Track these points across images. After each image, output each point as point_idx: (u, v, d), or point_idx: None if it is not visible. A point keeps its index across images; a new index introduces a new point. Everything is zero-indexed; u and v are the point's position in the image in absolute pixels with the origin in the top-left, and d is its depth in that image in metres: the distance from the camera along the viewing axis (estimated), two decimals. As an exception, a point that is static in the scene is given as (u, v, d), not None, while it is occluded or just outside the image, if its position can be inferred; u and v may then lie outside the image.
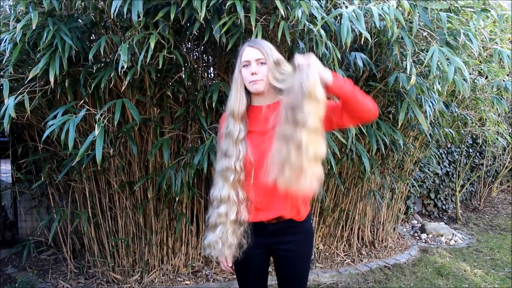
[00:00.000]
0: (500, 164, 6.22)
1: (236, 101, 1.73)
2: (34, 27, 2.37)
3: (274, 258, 1.88)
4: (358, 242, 4.16)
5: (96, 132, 2.31)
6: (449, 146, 5.48)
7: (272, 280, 2.08)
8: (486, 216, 5.79)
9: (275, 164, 1.54)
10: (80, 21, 2.80)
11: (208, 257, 3.59)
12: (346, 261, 3.83)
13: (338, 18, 2.70)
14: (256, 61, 1.69)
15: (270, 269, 2.00)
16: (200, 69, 3.20)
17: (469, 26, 2.98)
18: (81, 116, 2.42)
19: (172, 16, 2.33)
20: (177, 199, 3.04)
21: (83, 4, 2.78)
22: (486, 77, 4.01)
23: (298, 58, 1.53)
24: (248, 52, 1.71)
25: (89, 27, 2.86)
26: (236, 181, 1.70)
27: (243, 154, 1.70)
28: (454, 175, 5.53)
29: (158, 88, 2.99)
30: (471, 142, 5.70)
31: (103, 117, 2.45)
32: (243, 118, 1.73)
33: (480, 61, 3.63)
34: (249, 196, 1.72)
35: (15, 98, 2.44)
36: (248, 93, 1.76)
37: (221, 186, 1.72)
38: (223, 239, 1.71)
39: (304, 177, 1.51)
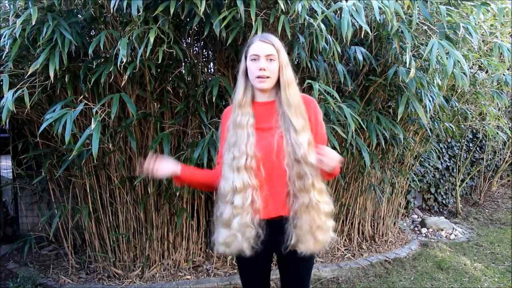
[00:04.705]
0: (500, 159, 6.22)
1: (243, 91, 1.74)
2: (33, 23, 2.37)
3: (277, 257, 1.87)
4: (359, 236, 4.17)
5: (93, 125, 2.31)
6: (449, 140, 5.48)
7: (272, 274, 2.08)
8: (486, 210, 5.80)
9: (308, 233, 1.67)
10: (80, 16, 2.80)
11: (208, 250, 3.60)
12: (347, 255, 3.84)
13: (338, 12, 2.70)
14: (266, 57, 1.67)
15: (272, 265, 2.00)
16: (200, 64, 3.20)
17: (469, 20, 2.97)
18: (79, 110, 2.42)
19: (171, 11, 2.33)
20: (177, 194, 3.05)
21: (82, -1, 2.78)
22: (487, 71, 4.01)
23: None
24: (258, 46, 1.68)
25: (88, 22, 2.86)
26: (249, 167, 1.67)
27: (253, 141, 1.69)
28: (455, 170, 5.54)
29: (158, 83, 2.99)
30: (471, 137, 5.70)
31: (101, 111, 2.45)
32: (250, 106, 1.74)
33: (480, 55, 3.62)
34: (263, 188, 1.70)
35: (15, 93, 2.44)
36: (252, 85, 1.76)
37: (233, 177, 1.68)
38: (242, 231, 1.67)
39: (328, 234, 1.74)
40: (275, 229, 1.74)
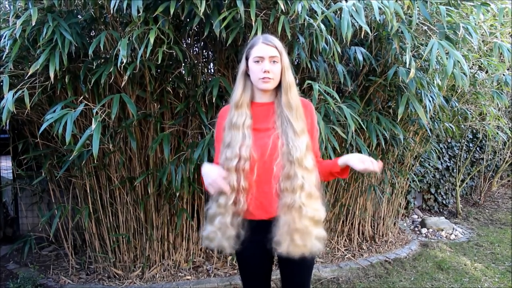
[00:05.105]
0: (501, 159, 6.22)
1: (241, 92, 1.74)
2: (33, 23, 2.37)
3: (278, 257, 1.87)
4: (359, 236, 4.17)
5: (93, 126, 2.31)
6: (449, 140, 5.48)
7: (273, 274, 2.08)
8: (487, 210, 5.80)
9: (286, 234, 1.65)
10: (80, 17, 2.80)
11: (208, 251, 3.60)
12: (347, 256, 3.84)
13: (338, 12, 2.70)
14: (270, 59, 1.68)
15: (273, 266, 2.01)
16: (200, 64, 3.20)
17: (469, 20, 2.97)
18: (79, 111, 2.42)
19: (171, 11, 2.33)
20: (177, 194, 3.05)
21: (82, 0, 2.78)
22: (487, 72, 4.01)
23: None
24: (262, 48, 1.69)
25: (88, 22, 2.86)
26: (241, 169, 1.67)
27: (250, 142, 1.69)
28: (455, 170, 5.54)
29: (158, 83, 3.00)
30: (471, 137, 5.70)
31: (101, 111, 2.45)
32: (248, 107, 1.74)
33: (480, 55, 3.62)
34: (250, 190, 1.71)
35: (15, 94, 2.44)
36: (251, 86, 1.76)
37: None
38: (222, 230, 1.71)
39: (310, 240, 1.66)
40: (268, 229, 1.74)
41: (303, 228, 1.65)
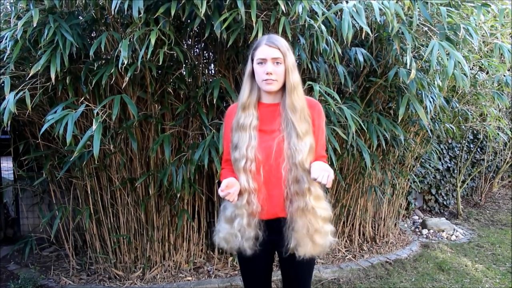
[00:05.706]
0: (501, 160, 6.22)
1: (248, 93, 1.75)
2: (35, 24, 2.38)
3: (279, 258, 1.88)
4: (359, 237, 4.16)
5: (94, 127, 2.31)
6: (450, 141, 5.48)
7: (274, 275, 2.09)
8: (487, 211, 5.80)
9: (306, 237, 1.69)
10: (81, 18, 2.80)
11: (209, 251, 3.60)
12: (348, 257, 3.84)
13: (339, 13, 2.70)
14: (273, 60, 1.67)
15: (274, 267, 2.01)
16: (201, 65, 3.20)
17: (470, 21, 2.98)
18: (80, 112, 2.43)
19: (172, 12, 2.33)
20: (178, 195, 3.05)
21: (83, 1, 2.78)
22: (487, 72, 4.01)
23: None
24: (265, 50, 1.68)
25: (89, 24, 2.87)
26: (248, 170, 1.69)
27: (255, 143, 1.70)
28: (455, 171, 5.53)
29: (159, 84, 3.00)
30: (472, 138, 5.69)
31: (102, 112, 2.45)
32: (255, 108, 1.75)
33: (480, 56, 3.62)
34: (261, 191, 1.71)
35: (16, 95, 2.45)
36: (258, 87, 1.76)
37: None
38: (242, 232, 1.71)
39: (327, 238, 1.75)
40: (273, 229, 1.76)
41: (320, 228, 1.70)
